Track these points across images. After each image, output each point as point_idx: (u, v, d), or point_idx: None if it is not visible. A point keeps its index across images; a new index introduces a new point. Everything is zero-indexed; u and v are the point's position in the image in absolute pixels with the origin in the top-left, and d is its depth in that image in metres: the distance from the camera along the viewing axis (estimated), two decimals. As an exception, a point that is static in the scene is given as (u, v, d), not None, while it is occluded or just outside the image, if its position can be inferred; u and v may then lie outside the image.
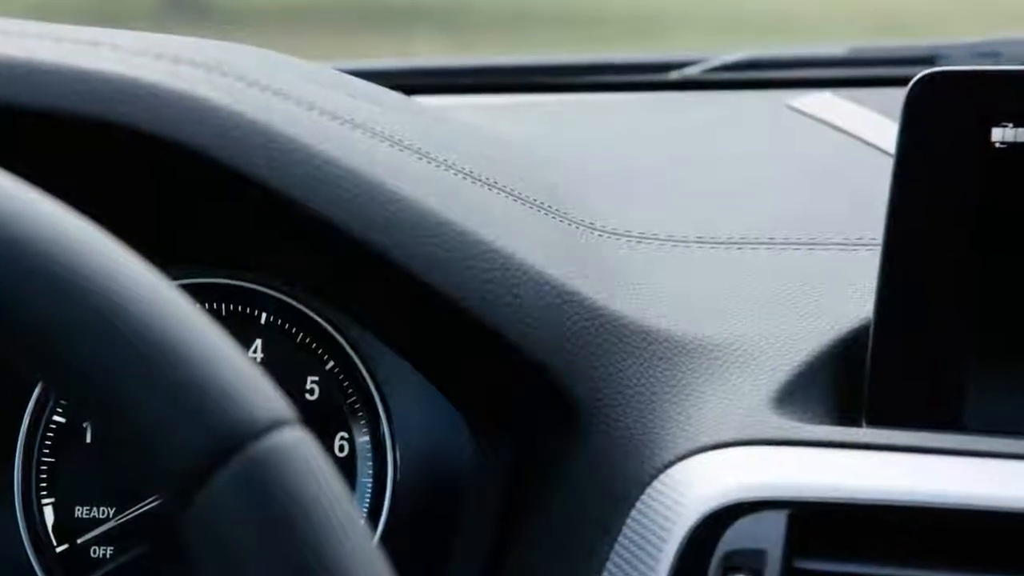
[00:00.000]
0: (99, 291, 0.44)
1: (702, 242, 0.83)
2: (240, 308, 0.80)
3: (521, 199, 0.79)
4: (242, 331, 0.79)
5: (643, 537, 0.67)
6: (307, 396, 0.80)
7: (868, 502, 0.65)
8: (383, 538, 0.79)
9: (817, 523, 0.65)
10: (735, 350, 0.74)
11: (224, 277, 0.80)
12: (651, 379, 0.73)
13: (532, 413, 0.74)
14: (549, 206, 0.80)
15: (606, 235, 0.82)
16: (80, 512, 0.79)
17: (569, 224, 0.80)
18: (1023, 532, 0.64)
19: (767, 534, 0.65)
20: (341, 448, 0.80)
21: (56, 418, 0.79)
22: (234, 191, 0.69)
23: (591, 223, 0.82)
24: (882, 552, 0.65)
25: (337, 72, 0.83)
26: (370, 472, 0.79)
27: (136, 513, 0.78)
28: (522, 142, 0.96)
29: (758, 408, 0.71)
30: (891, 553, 0.64)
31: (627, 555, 0.68)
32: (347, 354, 0.80)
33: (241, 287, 0.80)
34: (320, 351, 0.80)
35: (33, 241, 0.45)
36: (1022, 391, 0.71)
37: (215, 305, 0.80)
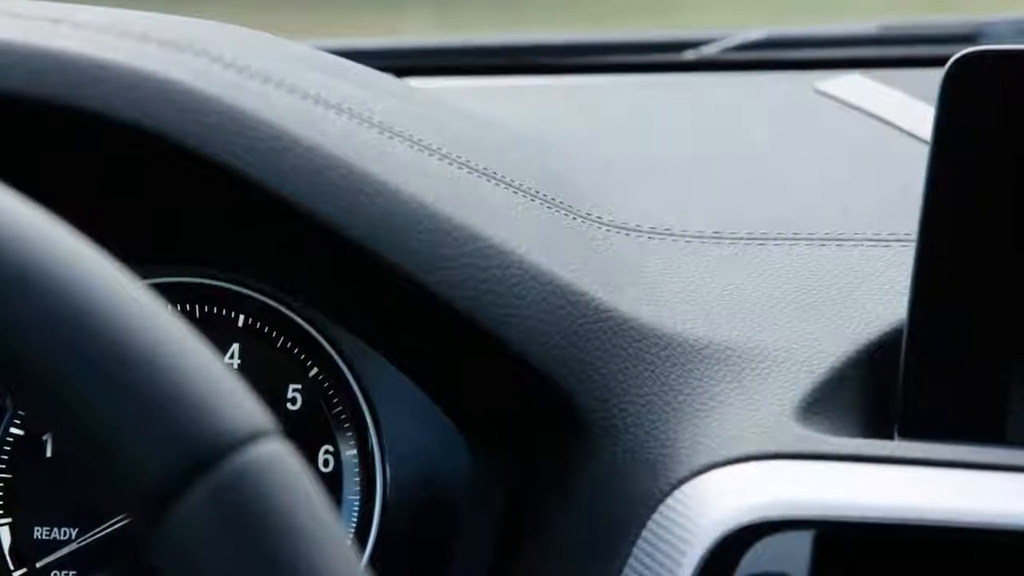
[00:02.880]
0: (58, 290, 0.44)
1: (720, 238, 0.83)
2: (216, 310, 0.80)
3: (522, 191, 0.79)
4: (218, 335, 0.79)
5: (655, 560, 0.68)
6: (288, 406, 0.80)
7: (902, 522, 0.65)
8: (372, 560, 0.79)
9: (846, 544, 0.65)
10: (756, 355, 0.74)
11: (198, 276, 0.80)
12: (664, 387, 0.73)
13: (534, 424, 0.75)
14: (553, 198, 0.80)
15: (615, 230, 0.82)
16: (39, 533, 0.79)
17: (574, 218, 0.80)
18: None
19: (791, 557, 0.65)
20: (326, 463, 0.80)
21: (13, 430, 0.79)
22: (208, 182, 0.69)
23: (599, 217, 0.82)
24: (917, 576, 0.65)
25: (321, 52, 0.83)
26: (357, 489, 0.80)
27: (101, 534, 0.78)
28: (523, 129, 0.96)
29: (781, 419, 0.71)
30: (926, 577, 0.65)
31: (638, 579, 0.68)
32: (332, 360, 0.80)
33: (217, 287, 0.80)
34: (303, 357, 0.80)
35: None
36: (1070, 400, 0.72)
37: (188, 306, 0.80)
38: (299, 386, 0.80)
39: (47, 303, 0.44)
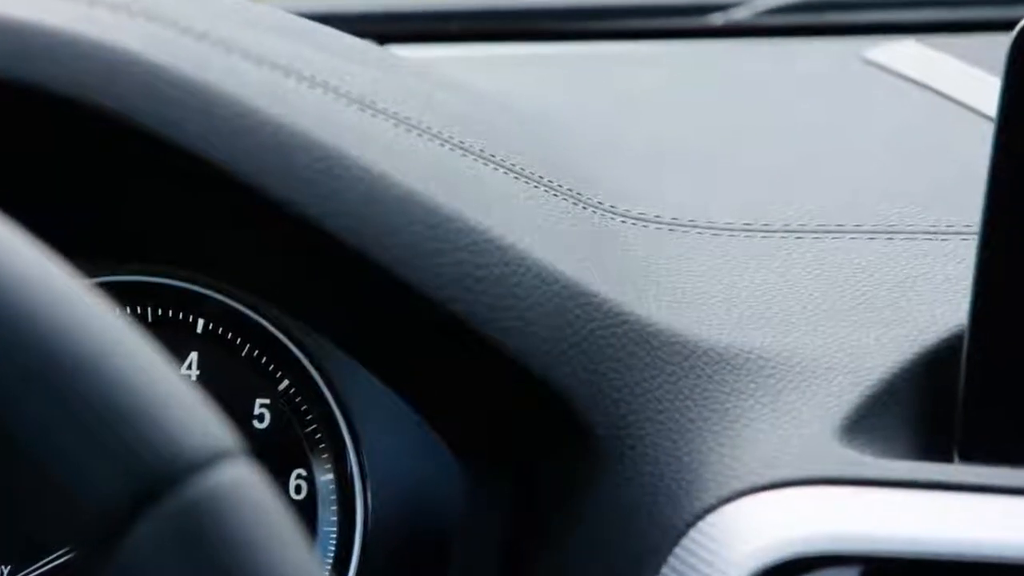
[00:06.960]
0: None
1: (751, 230, 0.83)
2: (172, 313, 0.80)
3: (524, 176, 0.79)
4: (174, 341, 0.80)
5: (677, 600, 0.68)
6: (255, 423, 0.80)
7: (961, 558, 0.65)
8: (351, 602, 0.79)
9: (896, 583, 0.65)
10: (793, 365, 0.74)
11: (152, 274, 0.80)
12: (688, 402, 0.73)
13: (537, 444, 0.75)
14: (559, 185, 0.80)
15: (630, 221, 0.82)
16: (-32, 570, 0.79)
17: (584, 207, 0.81)
18: None
19: (834, 597, 0.65)
20: (298, 488, 0.80)
21: (-61, 451, 0.79)
22: (165, 166, 0.69)
23: (612, 206, 0.82)
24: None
25: (293, 16, 0.83)
26: (335, 519, 0.80)
27: (40, 571, 0.79)
28: (525, 105, 0.96)
29: (823, 438, 0.71)
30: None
31: (657, 623, 0.68)
32: (305, 371, 0.80)
33: (173, 287, 0.80)
34: (271, 367, 0.80)
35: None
36: None
37: (140, 308, 0.80)
38: (267, 400, 0.80)
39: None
